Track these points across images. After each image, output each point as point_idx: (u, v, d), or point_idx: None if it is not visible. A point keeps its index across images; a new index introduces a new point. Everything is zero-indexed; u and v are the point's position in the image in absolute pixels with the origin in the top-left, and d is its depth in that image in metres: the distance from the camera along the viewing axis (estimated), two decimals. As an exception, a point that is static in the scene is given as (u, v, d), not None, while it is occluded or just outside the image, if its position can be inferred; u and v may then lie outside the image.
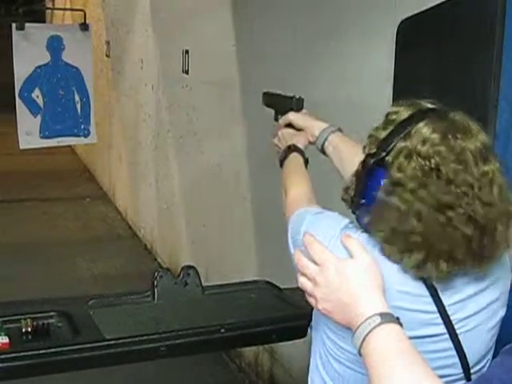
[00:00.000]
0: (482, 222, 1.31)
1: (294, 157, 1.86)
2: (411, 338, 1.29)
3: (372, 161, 1.39)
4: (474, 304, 1.40)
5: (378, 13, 2.74)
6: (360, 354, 1.23)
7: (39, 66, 5.90)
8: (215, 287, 2.69)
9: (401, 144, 1.35)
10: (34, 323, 2.27)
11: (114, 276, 5.91)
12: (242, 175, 4.27)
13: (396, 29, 2.20)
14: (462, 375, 1.42)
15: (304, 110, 2.00)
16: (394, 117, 1.41)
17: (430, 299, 1.36)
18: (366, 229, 1.41)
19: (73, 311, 2.38)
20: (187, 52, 5.13)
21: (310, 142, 1.94)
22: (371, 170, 1.39)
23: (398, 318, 1.23)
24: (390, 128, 1.39)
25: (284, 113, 2.01)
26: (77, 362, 2.19)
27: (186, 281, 2.52)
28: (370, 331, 1.21)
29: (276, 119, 2.07)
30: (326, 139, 1.89)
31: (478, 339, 1.43)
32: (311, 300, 1.33)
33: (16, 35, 5.67)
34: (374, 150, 1.40)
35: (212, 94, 4.78)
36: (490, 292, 1.43)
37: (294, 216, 1.55)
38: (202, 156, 5.09)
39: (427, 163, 1.31)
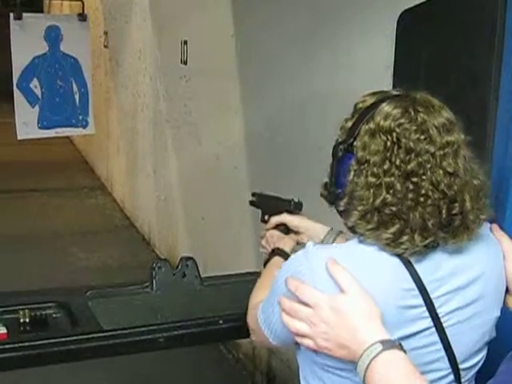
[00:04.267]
0: (448, 193, 1.33)
1: (276, 261, 1.83)
2: (402, 337, 1.30)
3: (340, 147, 1.43)
4: (460, 297, 1.41)
5: (379, 4, 2.73)
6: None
7: (37, 57, 5.88)
8: (214, 278, 2.68)
9: (365, 127, 1.39)
10: (32, 314, 2.26)
11: (112, 267, 5.91)
12: (240, 166, 4.26)
13: (396, 20, 2.19)
14: (450, 370, 1.42)
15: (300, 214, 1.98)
16: (360, 105, 1.45)
17: (416, 292, 1.36)
18: (340, 214, 1.44)
19: (71, 302, 2.38)
20: (186, 42, 5.11)
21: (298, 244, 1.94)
22: (341, 157, 1.43)
23: (400, 344, 1.24)
24: (356, 116, 1.44)
25: (275, 214, 1.99)
26: (75, 353, 2.18)
27: (185, 272, 2.51)
28: (372, 359, 1.21)
29: (263, 220, 2.06)
30: (334, 240, 1.89)
31: (466, 334, 1.43)
32: (308, 342, 1.33)
33: (14, 25, 5.65)
34: (343, 138, 1.44)
35: (210, 84, 4.77)
36: (478, 287, 1.43)
37: (261, 306, 1.54)
38: (200, 147, 5.08)
39: (389, 137, 1.35)
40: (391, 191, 1.33)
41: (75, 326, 2.26)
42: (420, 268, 1.36)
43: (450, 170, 1.34)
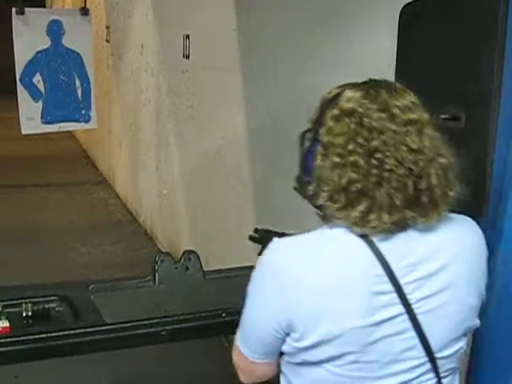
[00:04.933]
0: (414, 169, 1.35)
1: None
2: (375, 323, 1.30)
3: (306, 136, 1.48)
4: (432, 284, 1.41)
5: (381, -2, 2.72)
6: None
7: (40, 51, 5.87)
8: (216, 272, 2.69)
9: (330, 113, 1.43)
10: (35, 307, 2.27)
11: (115, 261, 5.91)
12: (243, 161, 4.26)
13: (398, 14, 2.18)
14: (427, 359, 1.42)
15: None
16: (326, 96, 1.49)
17: (386, 278, 1.36)
18: (310, 199, 1.46)
19: (73, 296, 2.38)
20: (188, 37, 5.11)
21: None
22: (309, 146, 1.47)
23: None
24: (322, 105, 1.48)
25: None
26: (77, 347, 2.19)
27: (187, 265, 2.52)
28: None
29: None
30: None
31: (440, 322, 1.43)
32: None
33: (16, 20, 5.63)
34: (309, 127, 1.48)
35: (213, 78, 4.77)
36: (450, 273, 1.43)
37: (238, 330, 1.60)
38: (202, 141, 5.08)
39: (352, 119, 1.38)
40: (355, 169, 1.35)
41: (78, 319, 2.27)
42: (390, 254, 1.37)
43: (414, 146, 1.35)
